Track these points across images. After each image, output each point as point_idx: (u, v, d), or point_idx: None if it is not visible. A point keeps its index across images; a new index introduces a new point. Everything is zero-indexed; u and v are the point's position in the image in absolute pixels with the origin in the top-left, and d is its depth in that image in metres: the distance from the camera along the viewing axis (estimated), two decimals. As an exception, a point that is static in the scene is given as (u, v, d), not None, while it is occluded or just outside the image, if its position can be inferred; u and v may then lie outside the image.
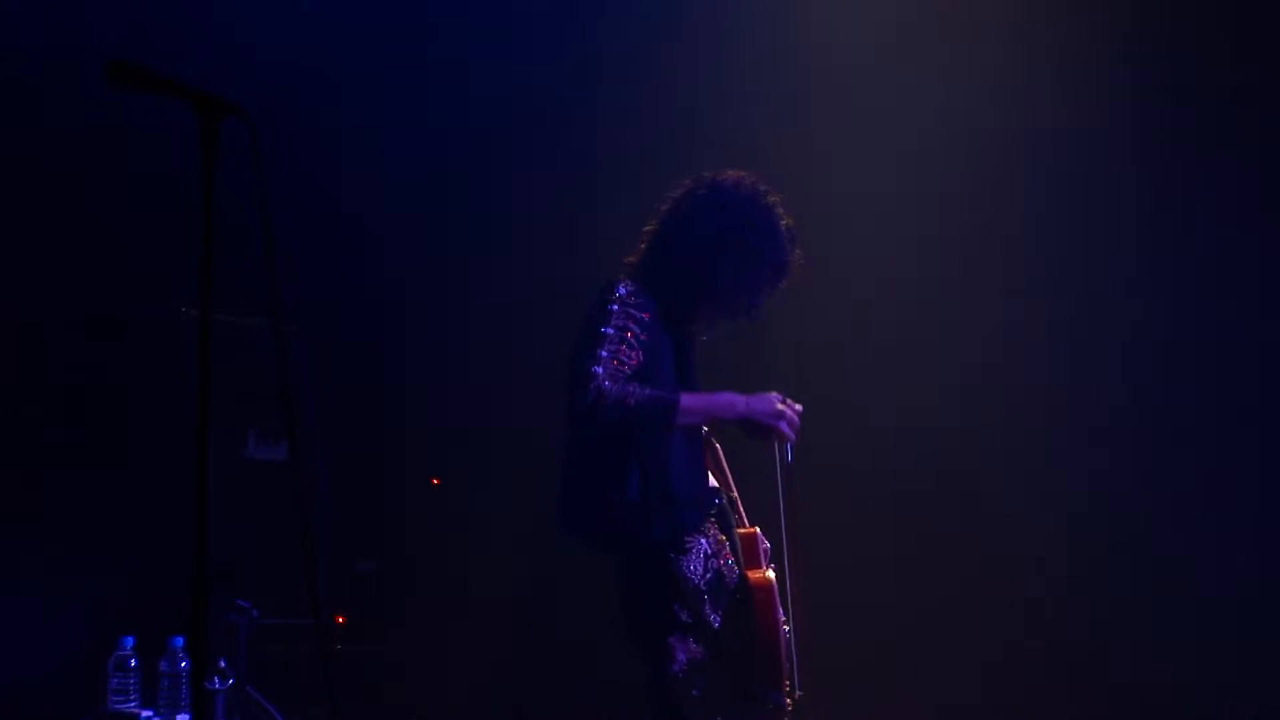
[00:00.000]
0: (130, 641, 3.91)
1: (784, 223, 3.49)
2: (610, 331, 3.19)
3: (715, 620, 3.27)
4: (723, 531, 3.37)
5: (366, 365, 5.83)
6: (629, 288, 3.30)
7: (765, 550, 3.49)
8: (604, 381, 3.09)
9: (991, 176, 5.71)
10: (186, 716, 3.82)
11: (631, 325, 3.23)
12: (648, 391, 3.14)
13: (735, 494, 3.57)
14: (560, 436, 3.39)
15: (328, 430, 5.23)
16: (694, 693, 3.23)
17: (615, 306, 3.25)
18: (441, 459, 5.89)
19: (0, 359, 4.73)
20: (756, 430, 3.33)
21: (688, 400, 3.20)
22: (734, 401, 3.29)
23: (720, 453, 3.64)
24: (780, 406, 3.32)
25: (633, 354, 3.20)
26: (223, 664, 4.06)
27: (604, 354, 3.15)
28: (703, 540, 3.31)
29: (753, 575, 3.35)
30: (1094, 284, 5.71)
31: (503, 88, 5.89)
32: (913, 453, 5.72)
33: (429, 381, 5.89)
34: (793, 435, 3.34)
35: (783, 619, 3.36)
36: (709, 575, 3.28)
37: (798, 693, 3.35)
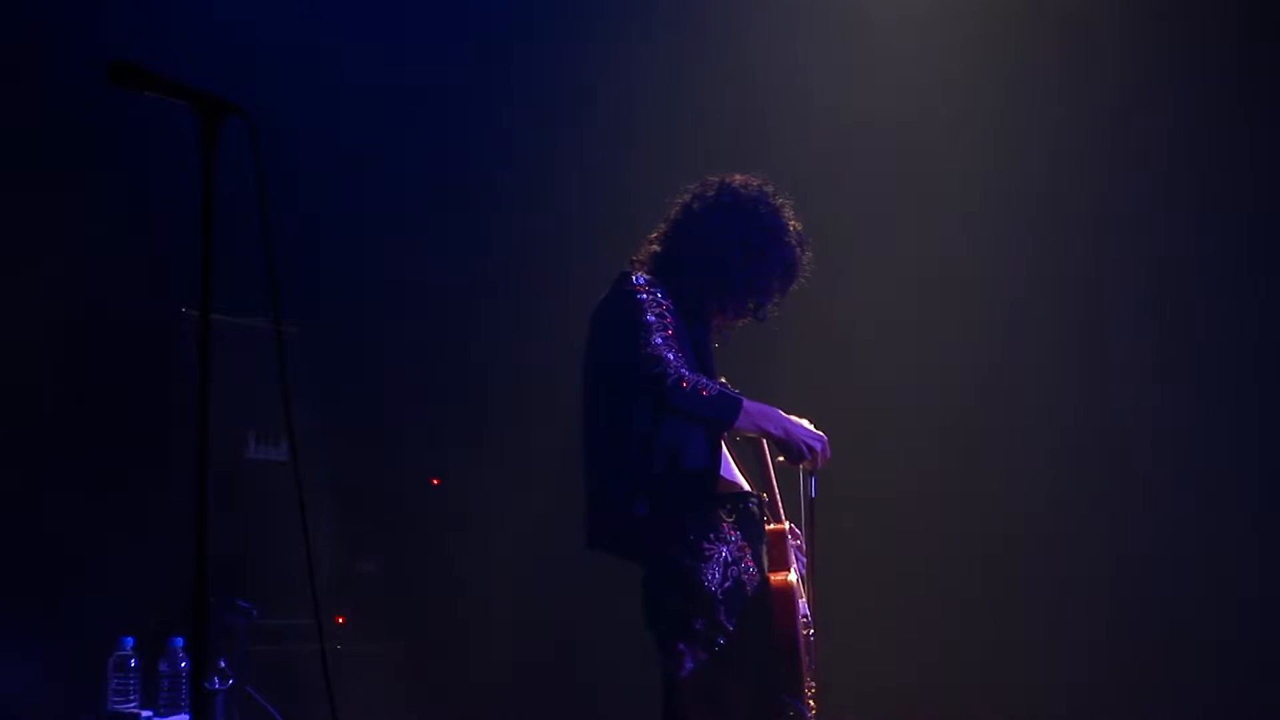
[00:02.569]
0: (130, 641, 3.90)
1: (792, 224, 3.52)
2: (652, 320, 3.24)
3: (731, 628, 3.24)
4: (746, 537, 3.34)
5: (366, 365, 5.82)
6: (645, 278, 3.35)
7: (797, 547, 3.46)
8: (682, 368, 3.16)
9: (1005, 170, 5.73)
10: (186, 716, 3.82)
11: (666, 314, 3.27)
12: (718, 387, 3.22)
13: (775, 488, 3.55)
14: (575, 448, 3.42)
15: (328, 430, 5.23)
16: (702, 699, 3.21)
17: (643, 296, 3.28)
18: (441, 459, 5.88)
19: (-1, 359, 4.73)
20: (789, 451, 3.34)
21: (748, 404, 3.25)
22: (781, 418, 3.33)
23: (766, 445, 3.64)
24: (815, 432, 3.36)
25: (678, 342, 3.25)
26: (223, 664, 4.05)
27: (659, 340, 3.20)
28: (723, 548, 3.29)
29: (774, 578, 3.30)
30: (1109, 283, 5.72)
31: (504, 88, 5.89)
32: (923, 456, 5.73)
33: (429, 381, 5.89)
34: (820, 463, 3.37)
35: (804, 622, 3.31)
36: (728, 583, 3.26)
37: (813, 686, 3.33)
